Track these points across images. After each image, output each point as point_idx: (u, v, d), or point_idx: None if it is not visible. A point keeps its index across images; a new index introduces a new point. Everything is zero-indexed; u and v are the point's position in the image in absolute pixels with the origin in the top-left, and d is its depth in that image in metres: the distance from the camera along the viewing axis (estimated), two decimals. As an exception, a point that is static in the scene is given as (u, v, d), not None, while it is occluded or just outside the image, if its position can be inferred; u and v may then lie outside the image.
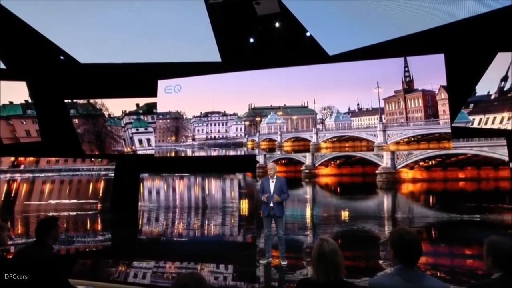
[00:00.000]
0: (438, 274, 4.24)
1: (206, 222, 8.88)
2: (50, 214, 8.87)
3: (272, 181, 4.74)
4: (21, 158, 10.41)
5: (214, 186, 10.82)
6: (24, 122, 10.06)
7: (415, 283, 1.67)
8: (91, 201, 10.47)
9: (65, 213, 9.57)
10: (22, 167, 10.43)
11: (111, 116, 10.87)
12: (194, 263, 5.05)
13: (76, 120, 10.70)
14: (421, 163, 8.39)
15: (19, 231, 7.65)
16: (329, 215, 8.82)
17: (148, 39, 7.90)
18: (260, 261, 4.83)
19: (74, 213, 9.67)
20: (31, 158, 10.49)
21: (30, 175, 10.41)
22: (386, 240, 5.05)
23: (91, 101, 10.78)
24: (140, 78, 9.34)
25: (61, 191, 10.55)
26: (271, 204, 4.65)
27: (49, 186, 10.47)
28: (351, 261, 4.87)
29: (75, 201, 10.38)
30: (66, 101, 10.51)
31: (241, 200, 10.25)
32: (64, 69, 9.06)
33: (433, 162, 8.30)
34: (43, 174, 10.47)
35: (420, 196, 8.47)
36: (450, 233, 6.93)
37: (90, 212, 9.99)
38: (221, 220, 8.96)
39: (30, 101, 10.06)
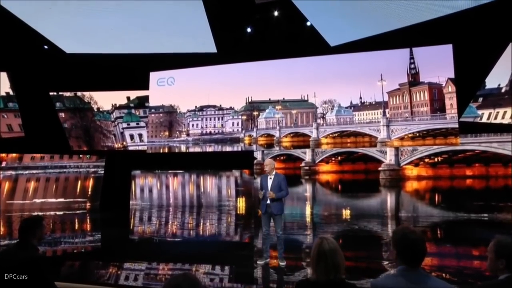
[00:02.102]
0: (444, 275, 4.26)
1: (201, 221, 8.89)
2: (35, 213, 8.84)
3: (270, 178, 4.74)
4: (3, 154, 10.31)
5: (209, 183, 10.82)
6: (6, 116, 9.96)
7: (419, 284, 1.67)
8: (79, 199, 10.43)
9: (52, 213, 9.54)
10: (3, 164, 10.34)
11: (100, 110, 10.81)
12: (188, 264, 5.04)
13: (62, 114, 10.61)
14: (426, 160, 8.42)
15: (1, 232, 7.62)
16: (330, 214, 8.86)
17: (139, 28, 7.82)
18: (258, 262, 4.84)
19: (61, 213, 9.64)
20: (14, 155, 10.41)
21: (13, 172, 10.34)
22: (389, 240, 5.07)
23: (79, 93, 10.70)
24: (131, 70, 9.27)
25: (46, 190, 10.51)
26: (268, 201, 4.64)
27: (33, 184, 10.41)
28: (353, 261, 4.89)
29: (62, 200, 10.33)
30: (51, 93, 10.41)
31: (238, 198, 10.27)
32: (48, 59, 8.96)
33: (439, 158, 8.33)
34: (27, 172, 10.41)
35: (425, 194, 8.51)
36: (456, 233, 6.97)
37: (78, 212, 9.95)
38: (217, 219, 8.97)
39: (11, 93, 9.96)
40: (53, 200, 10.31)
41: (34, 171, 10.47)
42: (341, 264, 1.77)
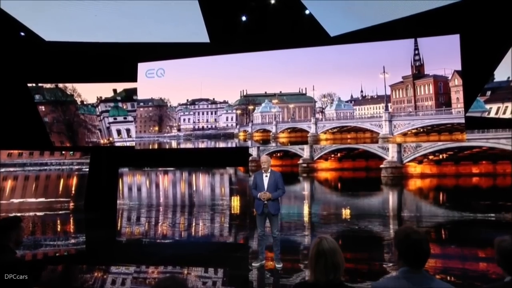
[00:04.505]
0: (448, 278, 4.30)
1: (194, 221, 8.90)
2: (12, 214, 8.76)
3: (266, 176, 4.74)
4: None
5: (202, 181, 10.80)
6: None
7: (423, 286, 1.67)
8: (62, 199, 10.35)
9: (31, 214, 9.45)
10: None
11: (84, 103, 10.71)
12: (180, 267, 5.04)
13: (42, 107, 10.51)
14: (430, 157, 8.46)
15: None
16: (329, 214, 8.89)
17: (126, 15, 7.74)
18: (253, 264, 4.85)
19: (42, 213, 9.56)
20: (-13, 151, 10.28)
21: (-13, 170, 10.21)
22: (391, 241, 5.09)
23: (60, 85, 10.59)
24: (117, 60, 9.19)
25: (25, 189, 10.40)
26: (265, 201, 4.65)
27: (11, 183, 10.28)
28: (353, 263, 4.91)
29: (42, 199, 10.24)
30: (29, 85, 10.29)
31: (232, 197, 10.27)
32: (26, 47, 8.82)
33: (444, 155, 8.38)
34: (3, 169, 10.25)
35: (429, 193, 8.57)
36: (462, 233, 7.03)
37: (60, 212, 9.88)
38: (210, 219, 8.97)
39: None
40: (33, 200, 10.21)
41: (12, 169, 10.34)
42: (341, 264, 1.77)
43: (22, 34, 8.38)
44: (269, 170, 4.78)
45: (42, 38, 8.43)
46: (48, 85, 10.59)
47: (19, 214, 8.82)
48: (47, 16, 7.63)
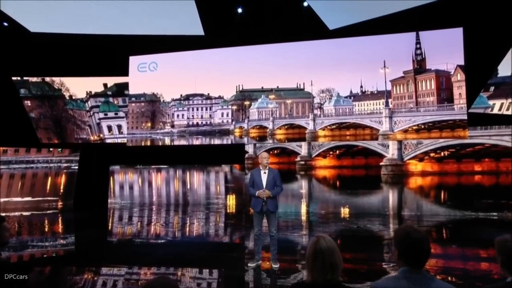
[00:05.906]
0: (449, 278, 4.34)
1: (188, 221, 8.89)
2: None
3: (265, 173, 4.74)
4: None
5: (196, 179, 10.80)
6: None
7: (423, 286, 1.68)
8: (49, 198, 10.31)
9: (17, 213, 9.39)
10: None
11: (73, 98, 10.63)
12: (173, 268, 5.05)
13: (28, 102, 10.42)
14: (432, 154, 8.51)
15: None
16: (327, 212, 8.93)
17: (118, 6, 7.69)
18: (249, 264, 4.86)
19: (28, 213, 9.50)
20: (-30, 148, 10.20)
21: (-30, 168, 10.13)
22: (391, 240, 5.13)
23: (47, 79, 10.50)
24: (108, 53, 9.13)
25: (10, 187, 10.34)
26: (264, 199, 4.65)
27: (-5, 181, 10.24)
28: (352, 263, 4.94)
29: (29, 198, 10.20)
30: (14, 78, 10.19)
31: (228, 196, 10.28)
32: (9, 38, 8.72)
33: (446, 153, 8.43)
34: (-15, 168, 10.20)
35: (430, 192, 8.63)
36: (463, 233, 7.09)
37: (48, 212, 9.82)
38: (204, 219, 8.98)
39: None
40: (19, 199, 10.16)
41: (-4, 167, 10.29)
42: (339, 264, 1.77)
43: (6, 24, 8.28)
44: (267, 167, 4.79)
45: (27, 29, 8.34)
46: (34, 79, 10.50)
47: (3, 214, 8.77)
48: (33, 5, 7.53)
